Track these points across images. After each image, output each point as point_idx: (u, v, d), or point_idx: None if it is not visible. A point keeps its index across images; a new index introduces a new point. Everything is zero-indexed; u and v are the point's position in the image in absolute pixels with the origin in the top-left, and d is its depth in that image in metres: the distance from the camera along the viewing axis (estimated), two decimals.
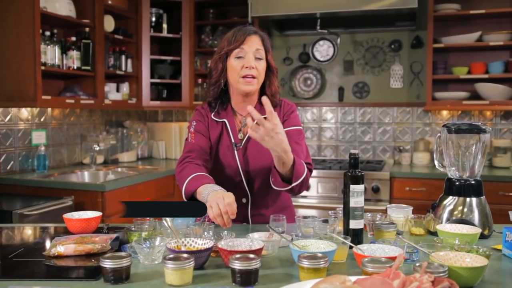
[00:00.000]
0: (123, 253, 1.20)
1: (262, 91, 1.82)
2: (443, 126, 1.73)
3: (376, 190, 3.50)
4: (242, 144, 1.80)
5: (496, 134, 3.91)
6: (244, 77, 1.71)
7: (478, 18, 3.77)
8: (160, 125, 4.52)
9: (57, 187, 3.01)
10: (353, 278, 1.04)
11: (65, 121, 3.72)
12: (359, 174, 1.46)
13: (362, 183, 1.47)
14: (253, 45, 1.72)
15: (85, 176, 3.51)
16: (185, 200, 1.63)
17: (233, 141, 1.80)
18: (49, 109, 3.55)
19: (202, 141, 1.79)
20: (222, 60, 1.76)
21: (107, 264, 1.16)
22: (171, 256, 1.17)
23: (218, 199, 1.42)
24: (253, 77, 1.71)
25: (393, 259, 1.16)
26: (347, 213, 1.47)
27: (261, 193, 1.83)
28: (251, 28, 1.77)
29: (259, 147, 1.74)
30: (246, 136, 1.79)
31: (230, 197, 1.42)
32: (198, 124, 1.82)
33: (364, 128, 4.22)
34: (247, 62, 1.70)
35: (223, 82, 1.79)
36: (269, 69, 1.79)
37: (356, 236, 1.47)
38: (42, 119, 3.49)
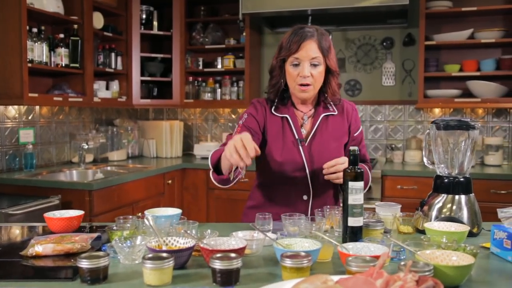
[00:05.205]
0: (101, 253, 1.17)
1: (321, 90, 1.83)
2: (432, 122, 1.71)
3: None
4: (308, 141, 1.80)
5: (487, 132, 3.90)
6: (299, 85, 1.73)
7: (470, 16, 3.76)
8: (151, 124, 4.47)
9: (44, 186, 2.96)
10: (336, 278, 1.01)
11: (54, 119, 3.67)
12: (359, 171, 1.43)
13: (362, 180, 1.44)
14: (309, 53, 1.69)
15: (74, 175, 3.46)
16: (211, 168, 1.70)
17: (297, 137, 1.80)
18: (37, 107, 3.50)
19: None
20: (280, 64, 1.77)
21: (84, 264, 1.12)
22: (150, 255, 1.14)
23: (234, 139, 1.43)
24: (309, 85, 1.72)
25: (378, 258, 1.13)
26: (346, 211, 1.45)
27: (322, 191, 1.84)
28: (307, 32, 1.71)
29: (325, 144, 1.81)
30: (312, 133, 1.81)
31: (245, 135, 1.44)
32: (249, 119, 1.81)
33: None
34: (302, 71, 1.70)
35: (283, 84, 1.81)
36: (328, 71, 1.77)
37: (354, 234, 1.44)
38: (30, 117, 3.44)
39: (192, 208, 3.95)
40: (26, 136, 3.39)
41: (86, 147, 3.60)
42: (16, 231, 1.73)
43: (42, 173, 3.26)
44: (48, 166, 3.57)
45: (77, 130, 3.88)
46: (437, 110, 4.01)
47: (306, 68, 1.70)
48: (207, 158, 1.75)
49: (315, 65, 1.71)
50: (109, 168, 3.70)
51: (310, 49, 1.69)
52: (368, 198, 3.48)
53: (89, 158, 3.82)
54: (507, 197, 3.24)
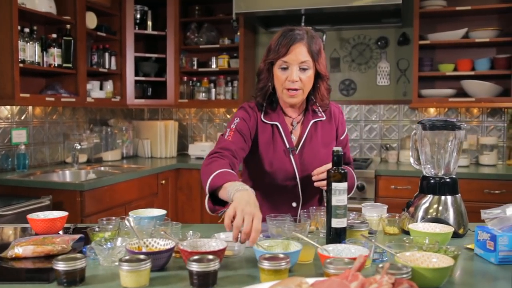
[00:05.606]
0: (78, 255, 1.16)
1: (310, 95, 1.78)
2: (418, 122, 1.70)
3: (361, 188, 3.47)
4: (298, 149, 1.78)
5: (482, 131, 3.88)
6: (287, 89, 1.69)
7: (464, 15, 3.74)
8: (146, 124, 4.46)
9: (36, 186, 2.95)
10: (311, 280, 1.00)
11: (47, 119, 3.66)
12: (342, 172, 1.42)
13: (345, 181, 1.42)
14: (298, 57, 1.64)
15: (66, 175, 3.45)
16: (207, 193, 1.53)
17: (287, 146, 1.76)
18: (30, 108, 3.49)
19: (239, 142, 1.71)
20: (267, 67, 1.73)
21: (60, 266, 1.11)
22: (126, 257, 1.13)
23: (246, 213, 1.25)
24: (297, 89, 1.68)
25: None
26: (329, 212, 1.43)
27: (311, 197, 1.84)
28: (296, 35, 1.66)
29: (315, 151, 1.78)
30: (302, 141, 1.78)
31: (260, 220, 1.27)
32: (241, 123, 1.74)
33: (351, 126, 4.19)
34: (290, 75, 1.66)
35: (271, 87, 1.76)
36: (318, 76, 1.73)
37: (338, 235, 1.42)
38: (22, 118, 3.43)
39: (186, 209, 3.94)
40: (19, 136, 3.38)
41: (78, 147, 3.58)
42: (8, 232, 1.72)
43: (35, 173, 3.25)
44: (41, 166, 3.56)
45: (71, 130, 3.87)
46: (432, 110, 3.99)
47: (295, 72, 1.66)
48: (202, 158, 1.69)
49: (304, 69, 1.67)
50: (102, 168, 3.69)
51: (299, 53, 1.65)
52: (362, 198, 3.48)
53: (83, 158, 3.81)
54: (501, 197, 3.23)
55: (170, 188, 3.86)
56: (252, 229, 1.24)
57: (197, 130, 4.62)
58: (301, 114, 1.83)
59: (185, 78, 4.35)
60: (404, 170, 3.54)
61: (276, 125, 1.78)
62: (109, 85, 4.01)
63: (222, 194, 1.46)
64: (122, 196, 3.24)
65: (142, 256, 1.13)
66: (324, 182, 1.63)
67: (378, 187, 3.50)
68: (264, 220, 1.58)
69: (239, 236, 1.25)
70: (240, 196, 1.33)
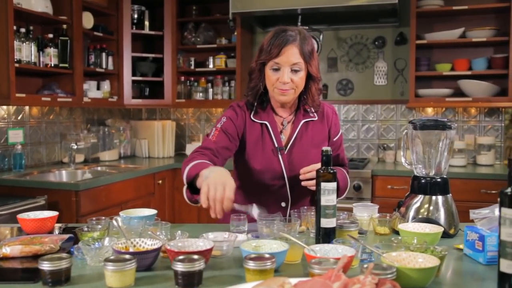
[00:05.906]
0: (63, 255, 1.16)
1: (301, 95, 1.78)
2: (409, 122, 1.70)
3: (357, 188, 3.46)
4: (287, 148, 1.77)
5: (480, 131, 3.87)
6: (279, 88, 1.69)
7: (461, 14, 3.73)
8: (143, 124, 4.46)
9: (32, 186, 2.95)
10: (295, 280, 0.99)
11: (44, 119, 3.66)
12: (331, 171, 1.42)
13: (334, 181, 1.42)
14: (290, 58, 1.64)
15: (63, 175, 3.45)
16: (185, 184, 1.61)
17: (276, 145, 1.76)
18: (27, 108, 3.49)
19: (222, 141, 1.71)
20: (259, 67, 1.72)
21: (45, 266, 1.11)
22: (111, 257, 1.13)
23: (218, 183, 1.36)
24: (289, 89, 1.69)
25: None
26: (318, 212, 1.43)
27: (301, 198, 1.82)
28: (289, 36, 1.65)
29: (305, 151, 1.77)
30: (292, 140, 1.77)
31: (231, 188, 1.36)
32: (228, 123, 1.75)
33: (348, 126, 4.18)
34: (281, 77, 1.66)
35: (262, 87, 1.75)
36: (309, 77, 1.73)
37: (328, 235, 1.42)
38: (19, 118, 3.44)
39: (183, 209, 3.94)
40: (15, 136, 3.38)
41: (75, 147, 3.58)
42: (4, 232, 1.72)
43: (31, 173, 3.25)
44: (38, 166, 3.56)
45: (68, 130, 3.88)
46: (429, 110, 3.99)
47: (286, 74, 1.65)
48: None
49: (295, 71, 1.66)
50: (99, 168, 3.69)
51: (291, 55, 1.64)
52: (358, 198, 3.47)
53: (80, 158, 3.81)
54: (498, 197, 3.21)
55: (167, 188, 3.86)
56: (224, 197, 1.32)
57: (195, 130, 4.62)
58: (292, 114, 1.82)
59: (182, 78, 4.36)
60: (401, 170, 3.53)
61: (266, 124, 1.78)
62: (106, 85, 4.01)
63: (199, 182, 1.49)
64: (118, 196, 3.24)
65: (127, 256, 1.13)
66: (311, 182, 1.63)
67: (374, 187, 3.49)
68: (254, 220, 1.58)
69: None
70: (213, 174, 1.40)
